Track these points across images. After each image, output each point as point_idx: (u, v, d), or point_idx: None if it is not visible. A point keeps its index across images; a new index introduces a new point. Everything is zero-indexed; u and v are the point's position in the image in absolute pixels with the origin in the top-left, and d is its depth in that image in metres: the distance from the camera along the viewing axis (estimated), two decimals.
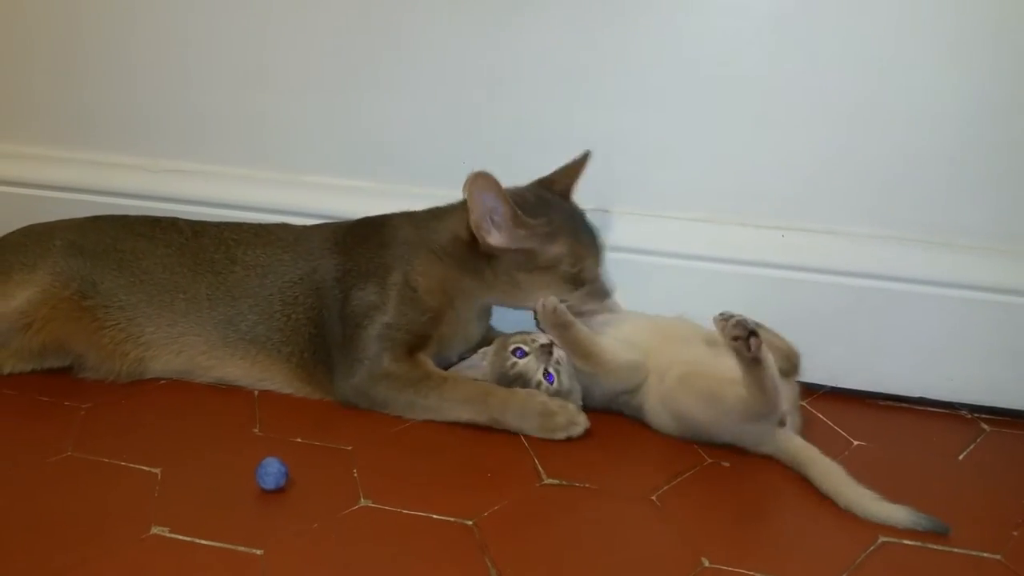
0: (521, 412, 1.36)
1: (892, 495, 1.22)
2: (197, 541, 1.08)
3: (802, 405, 1.48)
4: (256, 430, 1.35)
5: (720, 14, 1.47)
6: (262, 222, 1.58)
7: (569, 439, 1.35)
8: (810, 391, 1.54)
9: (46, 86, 1.80)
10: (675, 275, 1.54)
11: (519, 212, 1.40)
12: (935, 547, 1.15)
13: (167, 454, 1.27)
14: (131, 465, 1.24)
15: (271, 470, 1.18)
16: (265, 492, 1.18)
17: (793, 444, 1.29)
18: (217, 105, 1.73)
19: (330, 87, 1.68)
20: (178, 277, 1.49)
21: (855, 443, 1.40)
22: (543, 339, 1.39)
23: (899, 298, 1.50)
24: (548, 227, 1.42)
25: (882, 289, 1.50)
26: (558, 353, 1.38)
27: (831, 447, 1.36)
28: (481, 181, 1.37)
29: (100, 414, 1.39)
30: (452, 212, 1.49)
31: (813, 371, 1.55)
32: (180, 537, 1.09)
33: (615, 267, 1.51)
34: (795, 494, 1.26)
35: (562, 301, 1.39)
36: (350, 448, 1.31)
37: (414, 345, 1.43)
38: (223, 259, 1.51)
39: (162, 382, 1.49)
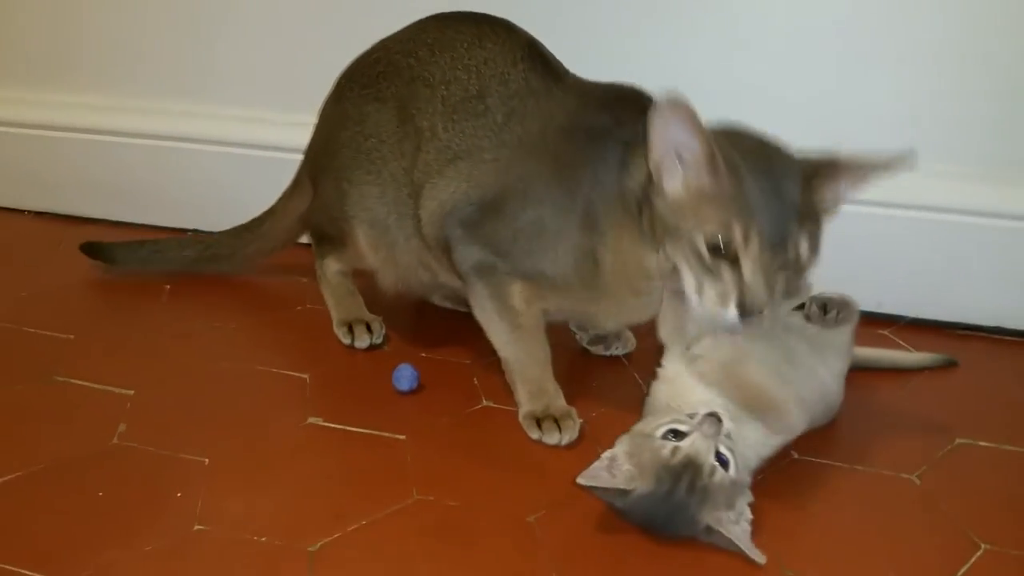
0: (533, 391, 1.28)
1: (971, 409, 1.35)
2: (348, 428, 1.26)
3: (884, 334, 1.61)
4: (386, 348, 1.51)
5: None
6: None
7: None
8: (891, 322, 1.65)
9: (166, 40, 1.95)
10: None
11: (718, 153, 1.04)
12: (1009, 448, 1.27)
13: (312, 364, 1.44)
14: (283, 372, 1.41)
15: (406, 374, 1.35)
16: (400, 393, 1.35)
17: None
18: None
19: None
20: None
21: None
22: (703, 408, 1.09)
23: (975, 232, 1.58)
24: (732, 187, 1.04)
25: (959, 223, 1.58)
26: (728, 424, 1.08)
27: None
28: (674, 112, 1.03)
29: (248, 333, 1.56)
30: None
31: (894, 303, 1.66)
32: (334, 425, 1.26)
33: None
34: (869, 405, 1.37)
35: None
36: (468, 362, 1.47)
37: (551, 295, 1.26)
38: None
39: (298, 308, 1.66)
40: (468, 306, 1.35)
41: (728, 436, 1.06)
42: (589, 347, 1.51)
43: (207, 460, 1.17)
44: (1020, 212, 1.56)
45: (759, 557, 1.00)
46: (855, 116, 1.59)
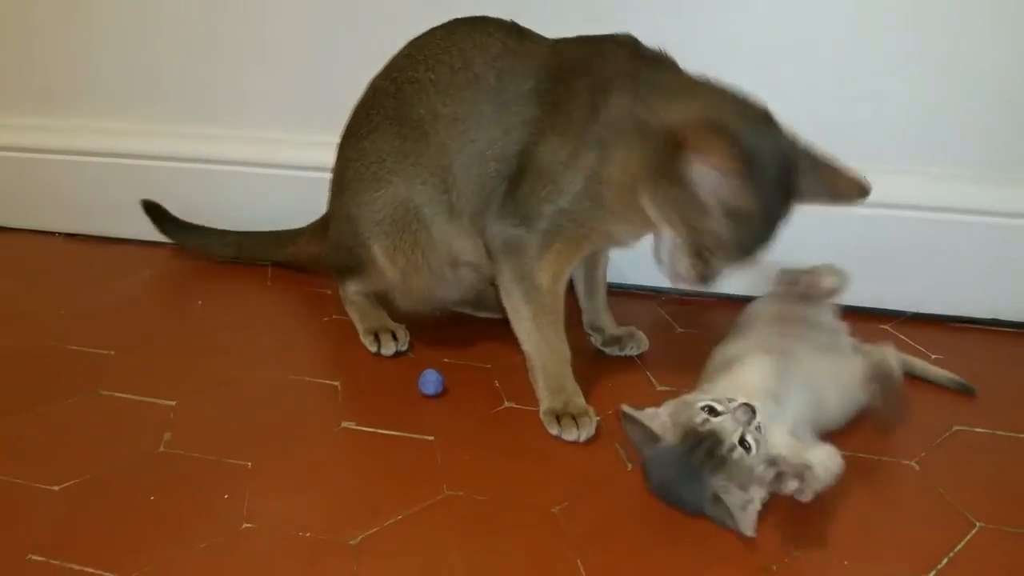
0: (554, 387, 1.37)
1: (967, 398, 1.43)
2: (380, 431, 1.34)
3: (885, 328, 1.69)
4: (411, 354, 1.59)
5: None
6: None
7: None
8: (892, 317, 1.72)
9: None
10: None
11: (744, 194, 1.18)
12: (1003, 433, 1.34)
13: (342, 372, 1.52)
14: (315, 380, 1.49)
15: (431, 379, 1.43)
16: (427, 397, 1.43)
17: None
18: None
19: None
20: None
21: (933, 356, 1.57)
22: (742, 397, 1.17)
23: (971, 229, 1.65)
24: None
25: (956, 222, 1.66)
26: (761, 419, 1.15)
27: None
28: (710, 161, 1.17)
29: (280, 345, 1.64)
30: (686, 96, 1.26)
31: (895, 299, 1.73)
32: (366, 428, 1.34)
33: None
34: None
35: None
36: (489, 366, 1.54)
37: (581, 237, 1.35)
38: None
39: (325, 319, 1.74)
40: (487, 310, 1.42)
41: (758, 429, 1.13)
42: (604, 348, 1.59)
43: (250, 464, 1.25)
44: (1013, 211, 1.64)
45: (750, 531, 1.07)
46: (858, 121, 1.66)
